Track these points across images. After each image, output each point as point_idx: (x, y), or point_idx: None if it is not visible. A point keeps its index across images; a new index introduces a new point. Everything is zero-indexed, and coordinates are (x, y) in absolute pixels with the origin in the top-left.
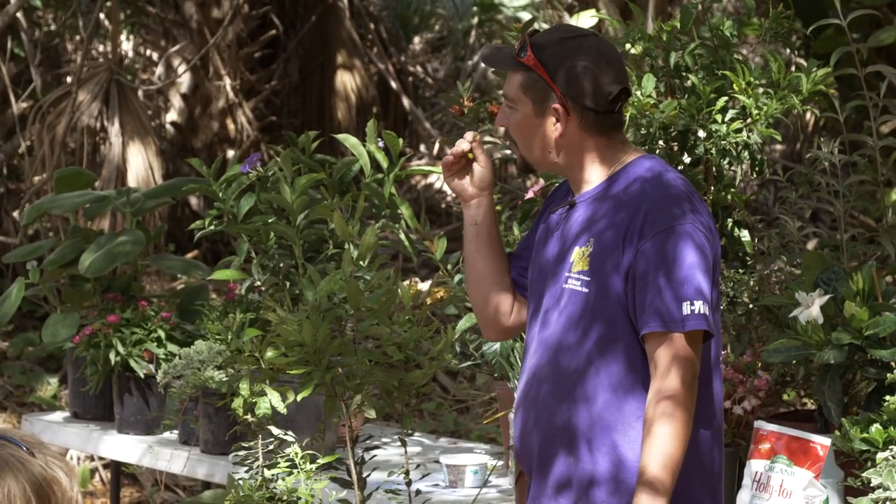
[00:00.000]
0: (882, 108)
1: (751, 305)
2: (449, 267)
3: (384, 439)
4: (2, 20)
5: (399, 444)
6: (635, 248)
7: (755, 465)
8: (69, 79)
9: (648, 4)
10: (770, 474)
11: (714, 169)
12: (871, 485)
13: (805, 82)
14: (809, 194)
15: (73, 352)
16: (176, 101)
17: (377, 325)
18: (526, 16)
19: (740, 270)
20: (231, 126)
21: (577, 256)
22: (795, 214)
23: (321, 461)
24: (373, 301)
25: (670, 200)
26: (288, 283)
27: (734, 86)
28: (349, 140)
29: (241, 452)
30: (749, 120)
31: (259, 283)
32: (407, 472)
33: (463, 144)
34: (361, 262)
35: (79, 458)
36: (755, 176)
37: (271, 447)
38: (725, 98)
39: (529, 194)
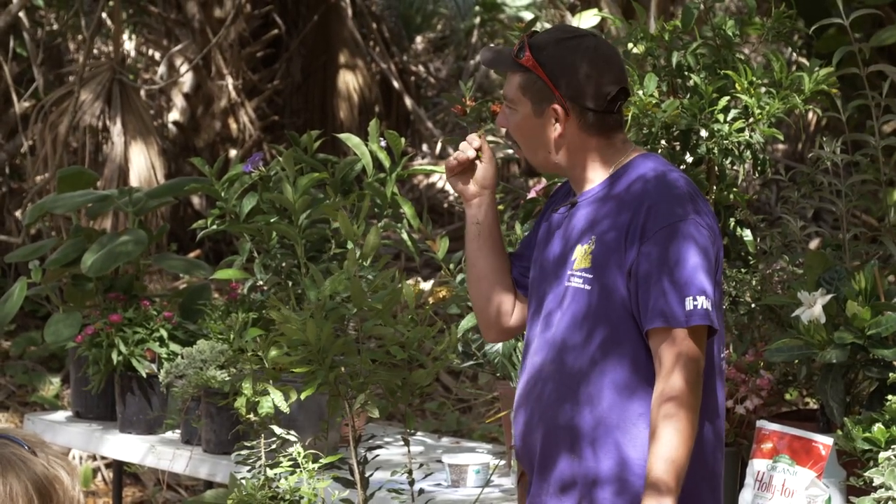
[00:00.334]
0: (884, 107)
1: (753, 305)
2: (451, 266)
3: (386, 439)
4: (4, 19)
5: (401, 443)
6: (638, 247)
7: (757, 465)
8: (71, 78)
9: (650, 4)
10: (772, 474)
11: (716, 168)
12: (874, 484)
13: (807, 82)
14: (812, 194)
15: (76, 351)
16: (178, 101)
17: (381, 325)
18: (528, 15)
19: (742, 270)
20: (233, 125)
21: (580, 254)
22: (798, 214)
23: (324, 461)
24: (377, 301)
25: (673, 200)
26: (290, 283)
27: (736, 85)
28: (351, 139)
29: (244, 452)
30: (751, 119)
31: (261, 282)
32: (410, 472)
33: (469, 152)
34: (365, 262)
35: (81, 458)
36: (757, 175)
37: (274, 447)
38: (728, 98)
39: (532, 194)
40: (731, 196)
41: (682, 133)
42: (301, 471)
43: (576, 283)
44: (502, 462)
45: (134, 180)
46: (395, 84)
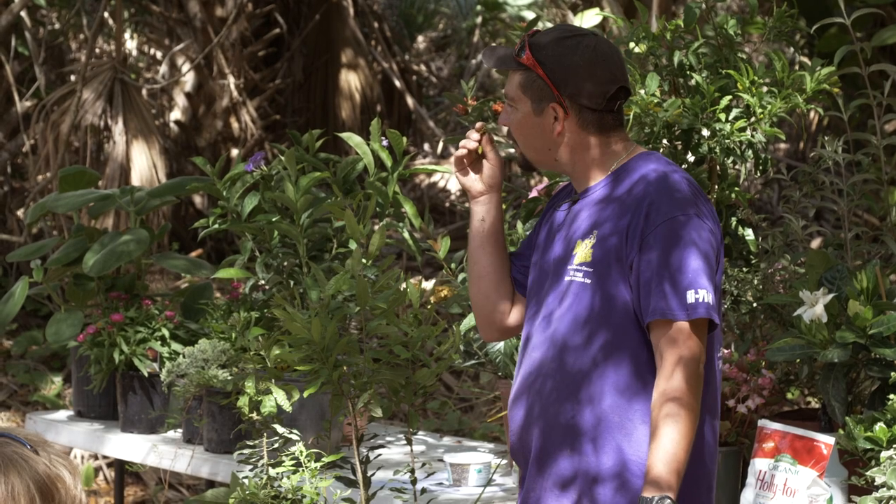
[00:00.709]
0: (886, 106)
1: (755, 304)
2: (453, 266)
3: (388, 438)
4: (6, 19)
5: (403, 442)
6: (639, 244)
7: (759, 464)
8: (73, 77)
9: (652, 3)
10: (774, 473)
11: (718, 168)
12: (875, 483)
13: (809, 81)
14: (813, 193)
15: (77, 350)
16: (180, 100)
17: (384, 325)
18: (530, 14)
19: (744, 269)
20: (235, 125)
21: (580, 250)
22: (799, 213)
23: (326, 460)
24: (381, 300)
25: (675, 202)
26: (292, 282)
27: (738, 85)
28: (353, 139)
29: (246, 451)
30: (753, 119)
31: (263, 281)
32: (412, 471)
33: (469, 144)
34: (368, 262)
35: (83, 457)
36: (759, 175)
37: (276, 446)
38: (729, 97)
39: (533, 193)
40: (733, 195)
41: (683, 132)
42: (303, 470)
43: (576, 278)
44: (504, 461)
45: (135, 179)
46: (397, 83)
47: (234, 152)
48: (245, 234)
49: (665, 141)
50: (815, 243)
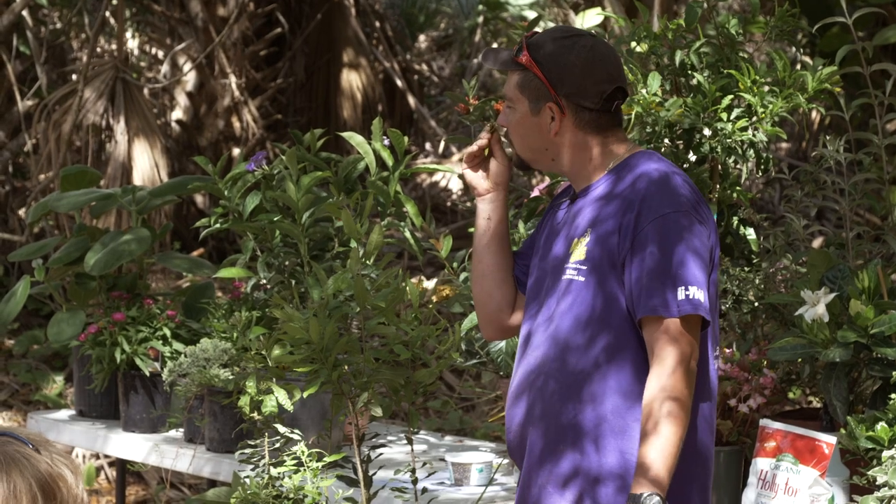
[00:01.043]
0: (887, 106)
1: (756, 303)
2: (455, 265)
3: (390, 437)
4: (7, 18)
5: (404, 442)
6: (632, 242)
7: (761, 464)
8: (75, 77)
9: (654, 2)
10: (776, 472)
11: (719, 167)
12: (877, 483)
13: (810, 80)
14: (815, 192)
15: (79, 350)
16: (181, 100)
17: (384, 324)
18: (531, 14)
19: (746, 269)
20: (236, 124)
21: (576, 248)
22: (801, 212)
23: (327, 459)
24: (380, 299)
25: (670, 200)
26: (293, 282)
27: (740, 84)
28: (355, 138)
29: (247, 450)
30: (754, 118)
31: (264, 281)
32: (413, 471)
33: (481, 142)
34: (368, 261)
35: (84, 457)
36: (761, 174)
37: (277, 445)
38: (731, 96)
39: (535, 192)
40: (735, 195)
41: (685, 132)
42: (304, 469)
43: (573, 276)
44: (506, 461)
45: (137, 179)
46: (399, 83)
47: (236, 152)
48: (246, 233)
49: (667, 140)
50: (817, 243)
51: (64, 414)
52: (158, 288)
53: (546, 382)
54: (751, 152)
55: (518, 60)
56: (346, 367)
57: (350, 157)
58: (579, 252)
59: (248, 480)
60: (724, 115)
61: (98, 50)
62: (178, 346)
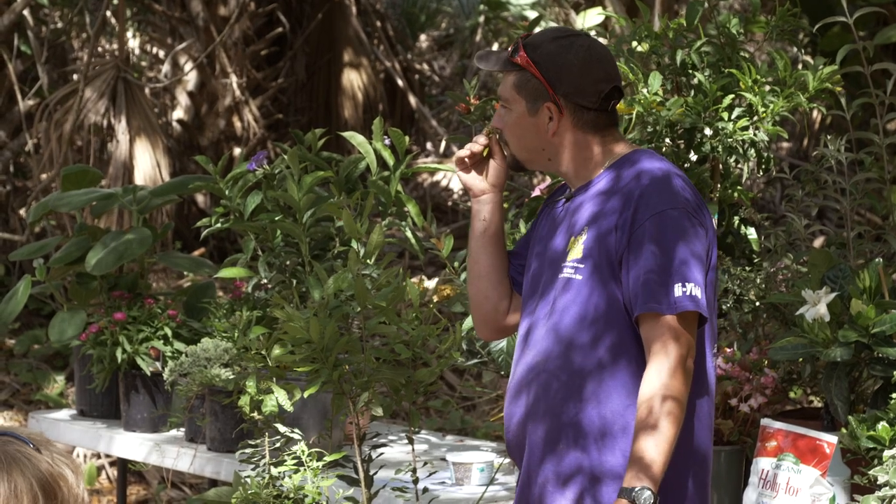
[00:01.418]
0: (888, 105)
1: (757, 303)
2: (455, 265)
3: (390, 437)
4: (8, 18)
5: (405, 441)
6: (629, 238)
7: (762, 463)
8: (76, 76)
9: (655, 2)
10: (777, 472)
11: (720, 166)
12: (878, 482)
13: (811, 80)
14: (816, 192)
15: (80, 349)
16: (182, 99)
17: (385, 324)
18: (532, 13)
19: (747, 268)
20: (237, 124)
21: (573, 245)
22: (802, 212)
23: (328, 459)
24: (381, 299)
25: (668, 197)
26: (294, 281)
27: (741, 83)
28: (356, 138)
29: (248, 450)
30: (755, 118)
31: (265, 280)
32: (414, 470)
33: (475, 147)
34: (368, 261)
35: (85, 456)
36: (761, 174)
37: (278, 445)
38: (732, 96)
39: (536, 192)
40: (736, 194)
41: (686, 131)
42: (305, 469)
43: (571, 275)
44: (506, 460)
45: (138, 178)
46: (400, 82)
47: (237, 151)
48: (247, 233)
49: (668, 140)
50: (818, 242)
51: (65, 413)
52: (159, 287)
53: (547, 380)
54: (752, 152)
55: (515, 61)
56: (346, 367)
57: (351, 157)
58: (577, 250)
59: (248, 480)
60: (725, 115)
61: (99, 49)
62: (179, 345)
